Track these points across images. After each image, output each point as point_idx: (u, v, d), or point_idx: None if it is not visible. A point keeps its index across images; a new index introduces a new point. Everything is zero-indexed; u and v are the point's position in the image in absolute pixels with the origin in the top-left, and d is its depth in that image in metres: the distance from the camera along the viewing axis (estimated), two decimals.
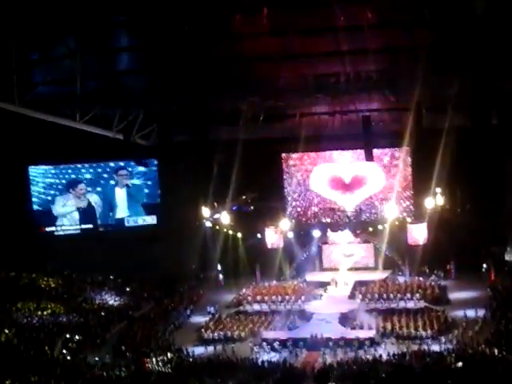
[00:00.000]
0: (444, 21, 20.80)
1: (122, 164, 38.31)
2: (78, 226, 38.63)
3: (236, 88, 22.04)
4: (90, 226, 38.97)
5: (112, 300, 35.95)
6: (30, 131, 30.09)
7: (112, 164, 38.57)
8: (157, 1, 17.85)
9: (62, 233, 38.71)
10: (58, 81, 24.59)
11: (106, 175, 38.72)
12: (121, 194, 38.78)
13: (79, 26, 20.79)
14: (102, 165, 38.57)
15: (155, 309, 35.09)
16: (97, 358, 27.63)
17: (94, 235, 38.80)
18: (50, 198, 38.47)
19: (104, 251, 36.76)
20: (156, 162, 37.01)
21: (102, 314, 33.38)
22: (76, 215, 38.70)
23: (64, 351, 28.15)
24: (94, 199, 38.80)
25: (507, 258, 36.45)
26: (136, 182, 38.47)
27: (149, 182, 38.27)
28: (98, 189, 38.67)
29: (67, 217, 38.71)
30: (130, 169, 38.18)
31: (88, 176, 38.63)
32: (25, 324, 30.65)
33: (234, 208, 36.56)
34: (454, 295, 33.62)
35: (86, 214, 38.79)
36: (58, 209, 38.43)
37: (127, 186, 38.60)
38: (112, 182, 38.66)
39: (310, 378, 24.09)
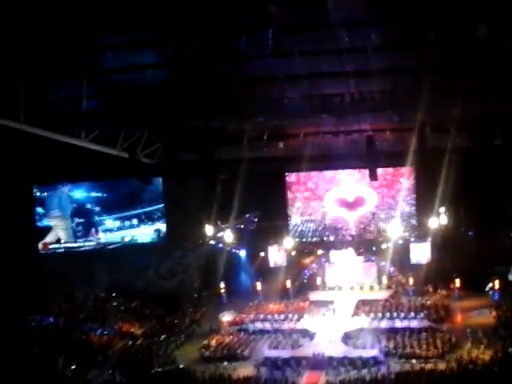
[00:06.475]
0: (447, 43, 21.00)
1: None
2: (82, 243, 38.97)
3: (240, 108, 22.20)
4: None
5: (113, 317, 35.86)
6: (35, 151, 30.26)
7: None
8: (165, 23, 18.08)
9: (62, 250, 39.12)
10: (63, 99, 24.77)
11: None
12: None
13: (83, 47, 20.93)
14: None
15: (157, 327, 35.04)
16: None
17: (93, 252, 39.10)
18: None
19: (104, 268, 36.98)
20: (161, 181, 37.25)
21: (105, 332, 33.31)
22: None
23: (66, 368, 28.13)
24: None
25: (511, 277, 36.38)
26: None
27: None
28: None
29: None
30: None
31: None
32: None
33: (237, 226, 36.68)
34: (458, 315, 33.53)
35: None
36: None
37: None
38: None
39: None
